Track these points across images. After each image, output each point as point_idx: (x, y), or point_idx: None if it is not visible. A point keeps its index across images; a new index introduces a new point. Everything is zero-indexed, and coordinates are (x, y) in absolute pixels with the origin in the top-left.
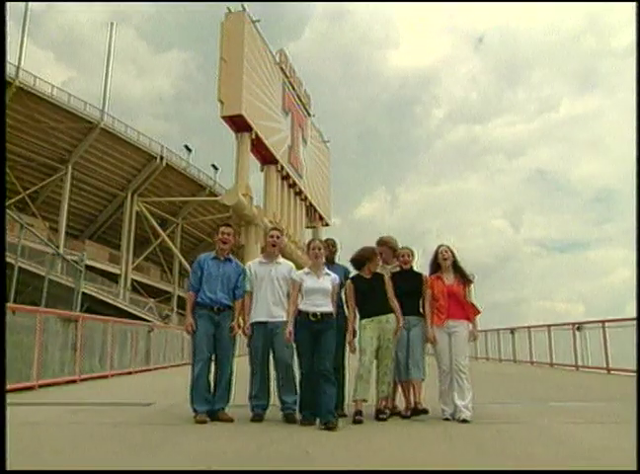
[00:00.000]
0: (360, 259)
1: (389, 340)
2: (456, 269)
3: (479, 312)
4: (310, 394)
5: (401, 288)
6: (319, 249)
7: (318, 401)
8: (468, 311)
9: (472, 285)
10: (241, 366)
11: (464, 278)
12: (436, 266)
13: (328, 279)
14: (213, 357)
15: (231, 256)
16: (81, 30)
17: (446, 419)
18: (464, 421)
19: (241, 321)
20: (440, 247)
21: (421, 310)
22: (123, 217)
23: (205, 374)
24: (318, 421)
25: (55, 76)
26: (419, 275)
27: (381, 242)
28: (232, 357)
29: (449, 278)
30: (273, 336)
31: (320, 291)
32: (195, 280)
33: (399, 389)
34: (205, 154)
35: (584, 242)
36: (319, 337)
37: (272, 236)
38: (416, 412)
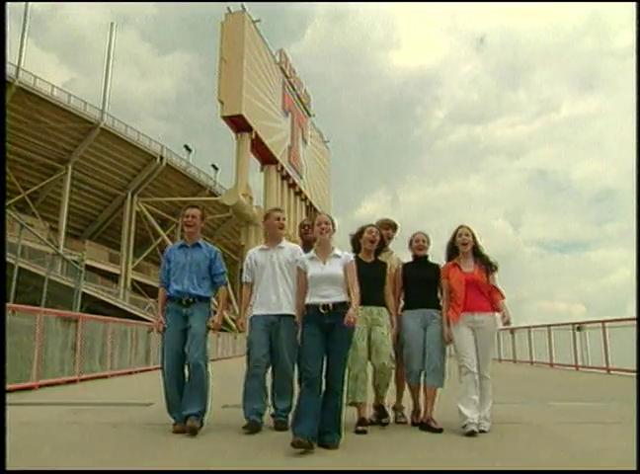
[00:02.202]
0: (353, 240)
1: (383, 334)
2: (477, 254)
3: (502, 296)
4: (312, 406)
5: (415, 277)
6: (326, 223)
7: (317, 415)
8: (494, 299)
9: (496, 275)
10: (239, 366)
11: (487, 266)
12: (453, 250)
13: (337, 263)
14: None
15: (201, 241)
16: (84, 32)
17: (472, 432)
18: (482, 431)
19: (225, 316)
20: (459, 229)
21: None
22: (123, 217)
23: (176, 379)
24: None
25: (59, 78)
26: (435, 265)
27: (387, 224)
28: (204, 353)
29: (469, 266)
30: (275, 331)
31: (327, 279)
32: (163, 274)
33: (406, 390)
34: (206, 154)
35: (584, 242)
36: (331, 334)
37: (278, 218)
38: (425, 428)
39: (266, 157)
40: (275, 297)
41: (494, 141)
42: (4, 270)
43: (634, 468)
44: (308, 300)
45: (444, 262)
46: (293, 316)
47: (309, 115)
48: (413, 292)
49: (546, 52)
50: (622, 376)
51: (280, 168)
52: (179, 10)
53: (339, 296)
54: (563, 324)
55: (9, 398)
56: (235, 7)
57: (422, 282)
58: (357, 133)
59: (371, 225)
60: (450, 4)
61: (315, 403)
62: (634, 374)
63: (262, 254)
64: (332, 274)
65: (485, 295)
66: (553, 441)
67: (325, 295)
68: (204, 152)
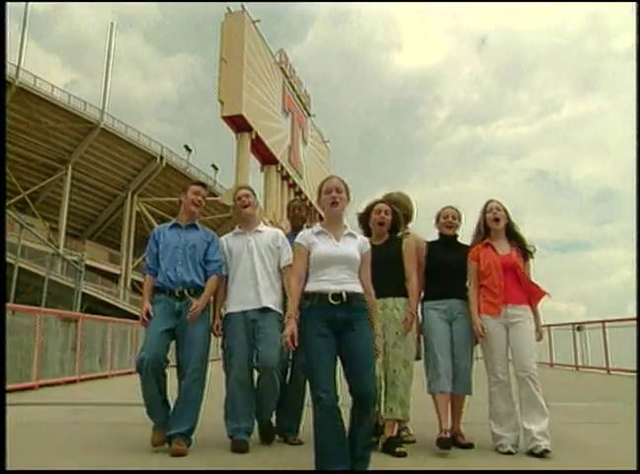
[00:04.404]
0: (360, 219)
1: (397, 334)
2: (512, 235)
3: (544, 293)
4: (336, 436)
5: (440, 260)
6: (338, 191)
7: (349, 438)
8: (531, 292)
9: (532, 261)
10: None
11: (523, 249)
12: (483, 230)
13: (353, 243)
14: (174, 361)
15: (197, 222)
16: (88, 34)
17: (508, 452)
18: (543, 453)
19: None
20: (488, 203)
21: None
22: (123, 217)
23: (155, 378)
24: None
25: (62, 79)
26: (466, 246)
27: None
28: (203, 360)
29: (503, 247)
30: (256, 329)
31: (341, 261)
32: (151, 260)
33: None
34: (206, 154)
35: (585, 243)
36: (347, 334)
37: (239, 197)
38: (451, 444)
39: (266, 157)
40: (253, 291)
41: (495, 142)
42: (4, 270)
43: (634, 468)
44: (310, 287)
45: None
46: (276, 311)
47: (309, 115)
48: (437, 279)
49: (547, 53)
50: (622, 376)
51: (280, 168)
52: (180, 11)
53: (355, 284)
54: (563, 324)
55: (9, 398)
56: (235, 7)
57: (448, 267)
58: (358, 134)
59: (381, 202)
60: (452, 5)
61: (339, 431)
62: (634, 374)
63: (237, 239)
64: (348, 254)
65: (522, 285)
66: (553, 441)
67: (337, 281)
68: (205, 152)
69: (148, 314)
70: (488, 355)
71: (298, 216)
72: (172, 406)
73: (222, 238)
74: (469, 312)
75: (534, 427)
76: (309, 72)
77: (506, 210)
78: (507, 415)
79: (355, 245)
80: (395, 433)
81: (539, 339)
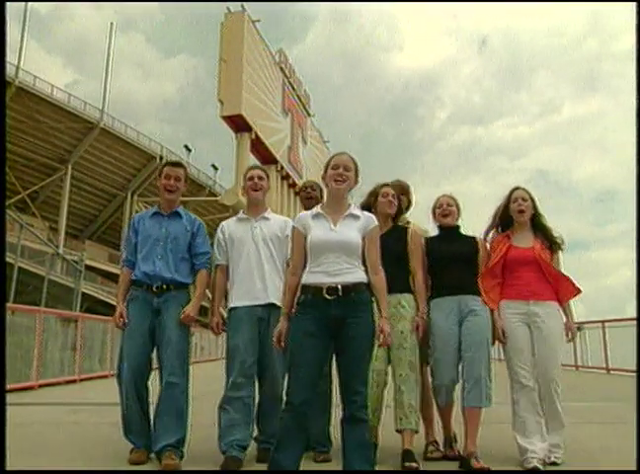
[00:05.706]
0: (363, 207)
1: (402, 334)
2: (537, 226)
3: (578, 290)
4: (296, 441)
5: (444, 254)
6: (346, 169)
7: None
8: (560, 288)
9: (561, 254)
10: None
11: (551, 242)
12: (499, 219)
13: (353, 225)
14: (156, 363)
15: (181, 209)
16: (90, 35)
17: (534, 468)
18: (552, 464)
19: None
20: (514, 191)
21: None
22: (123, 217)
23: (137, 393)
24: None
25: (64, 80)
26: (471, 238)
27: (399, 188)
28: (185, 363)
29: (525, 240)
30: (263, 329)
31: (336, 247)
32: (129, 251)
33: (434, 416)
34: (206, 154)
35: (585, 243)
36: (343, 333)
37: (251, 177)
38: (466, 466)
39: (266, 157)
40: (260, 283)
41: (495, 142)
42: (4, 270)
43: (634, 468)
44: (305, 279)
45: (483, 234)
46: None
47: (309, 115)
48: (442, 275)
49: (548, 54)
50: (622, 376)
51: (279, 168)
52: (180, 11)
53: (354, 274)
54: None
55: (9, 398)
56: (235, 7)
57: (453, 260)
58: (358, 134)
59: (386, 185)
60: (452, 5)
61: (300, 437)
62: (634, 374)
63: (240, 225)
64: (345, 239)
65: (547, 280)
66: None
67: (333, 272)
68: (205, 152)
69: (123, 317)
70: (509, 356)
71: (310, 196)
72: (152, 416)
73: (224, 223)
74: (486, 311)
75: (550, 439)
76: (309, 72)
77: (533, 200)
78: (532, 424)
79: (355, 228)
80: (411, 445)
81: (570, 338)
